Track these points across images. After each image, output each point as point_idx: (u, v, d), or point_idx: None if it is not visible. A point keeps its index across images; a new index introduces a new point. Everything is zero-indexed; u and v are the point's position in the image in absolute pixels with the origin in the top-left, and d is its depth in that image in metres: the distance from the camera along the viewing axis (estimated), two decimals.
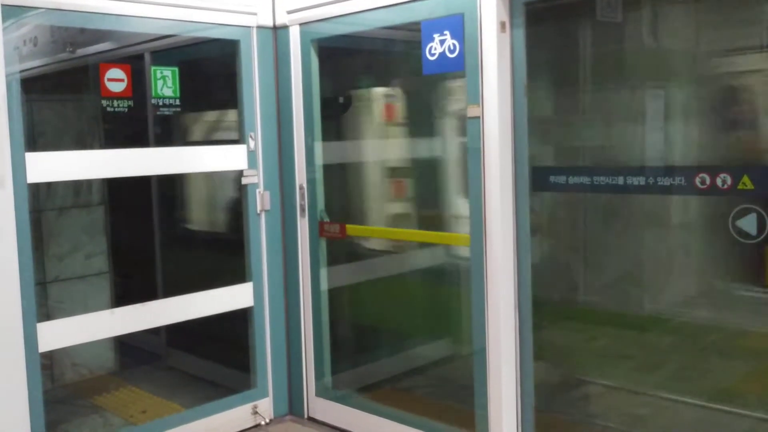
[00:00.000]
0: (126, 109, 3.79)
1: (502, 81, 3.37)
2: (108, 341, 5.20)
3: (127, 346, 5.37)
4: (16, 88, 3.29)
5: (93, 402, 4.76)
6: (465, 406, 3.72)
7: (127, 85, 3.79)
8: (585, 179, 3.25)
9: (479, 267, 3.49)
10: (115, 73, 3.77)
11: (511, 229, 3.45)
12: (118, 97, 3.77)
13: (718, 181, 2.83)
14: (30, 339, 3.37)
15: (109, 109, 3.74)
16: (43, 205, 4.82)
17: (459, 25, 3.45)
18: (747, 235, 2.85)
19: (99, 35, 4.57)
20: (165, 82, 3.94)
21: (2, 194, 3.24)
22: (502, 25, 3.36)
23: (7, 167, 3.24)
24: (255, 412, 4.32)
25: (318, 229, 4.28)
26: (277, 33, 4.32)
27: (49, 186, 4.81)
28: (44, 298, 4.77)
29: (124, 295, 5.10)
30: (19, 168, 3.31)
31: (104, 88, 3.72)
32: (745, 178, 2.76)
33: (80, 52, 4.99)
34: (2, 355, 3.28)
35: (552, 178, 3.37)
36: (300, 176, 4.31)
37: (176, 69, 3.98)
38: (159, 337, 5.46)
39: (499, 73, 3.35)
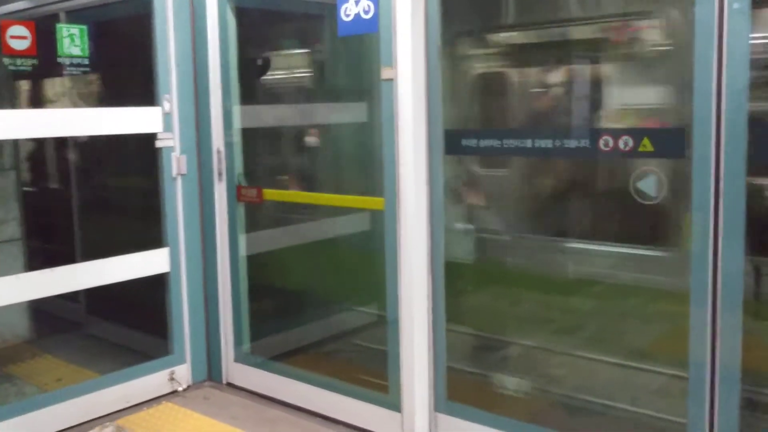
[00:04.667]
0: (30, 68, 3.65)
1: (416, 43, 3.35)
2: (23, 309, 5.07)
3: (44, 314, 5.24)
4: None
5: (5, 371, 4.64)
6: (381, 370, 3.75)
7: (32, 43, 3.64)
8: (495, 142, 3.27)
9: (392, 231, 3.49)
10: (18, 30, 3.62)
11: (425, 193, 3.46)
12: (22, 55, 3.62)
13: (621, 144, 2.88)
14: None
15: (11, 67, 3.59)
16: None
17: None
18: (646, 196, 2.92)
19: None
20: (72, 41, 3.80)
21: None
22: None
23: None
24: (172, 378, 4.27)
25: (236, 194, 4.22)
26: None
27: None
28: None
29: (38, 262, 4.96)
30: None
31: (6, 46, 3.57)
32: (646, 140, 2.82)
33: None
34: None
35: (464, 141, 3.38)
36: (217, 140, 4.23)
37: (85, 27, 3.84)
38: (79, 305, 5.34)
39: (413, 35, 3.33)
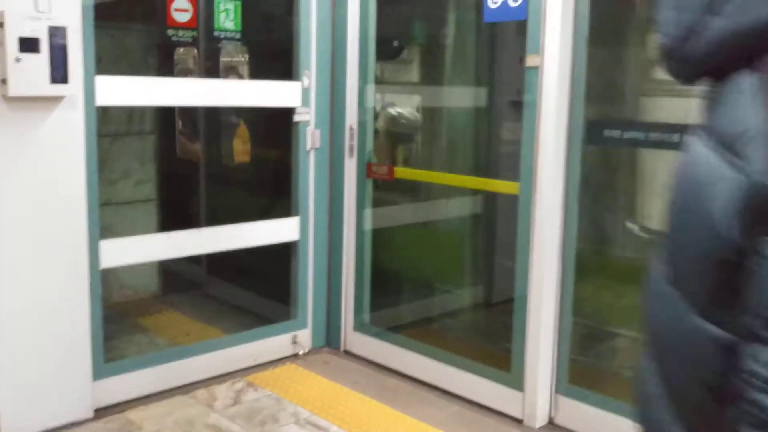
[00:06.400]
0: (191, 40, 3.88)
1: (564, 32, 3.41)
2: (152, 266, 5.38)
3: (167, 272, 5.55)
4: (90, 9, 3.36)
5: (138, 322, 4.96)
6: (501, 349, 3.87)
7: (193, 16, 3.86)
8: (639, 135, 3.31)
9: (526, 215, 3.59)
10: (182, 3, 3.84)
11: (561, 181, 3.53)
12: (184, 27, 3.85)
13: None
14: (93, 256, 3.53)
15: (174, 38, 3.82)
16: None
17: None
18: None
19: None
20: (227, 15, 4.00)
21: (74, 115, 3.36)
22: None
23: (79, 89, 3.34)
24: (295, 342, 4.49)
25: (365, 170, 4.38)
26: None
27: (105, 111, 4.92)
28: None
29: (171, 221, 5.26)
30: (89, 90, 3.42)
31: (170, 18, 3.80)
32: None
33: None
34: (68, 271, 3.44)
35: (606, 132, 3.43)
36: (351, 117, 4.39)
37: (240, 3, 4.04)
38: (200, 267, 5.63)
39: (562, 24, 3.39)
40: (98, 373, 3.63)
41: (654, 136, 3.26)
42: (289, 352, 4.49)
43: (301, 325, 4.55)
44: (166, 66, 5.09)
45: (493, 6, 3.63)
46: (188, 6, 3.86)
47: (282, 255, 4.52)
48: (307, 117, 4.38)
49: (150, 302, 5.36)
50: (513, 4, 3.55)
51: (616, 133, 3.39)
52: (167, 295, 5.50)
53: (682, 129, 3.20)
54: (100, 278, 3.61)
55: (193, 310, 5.24)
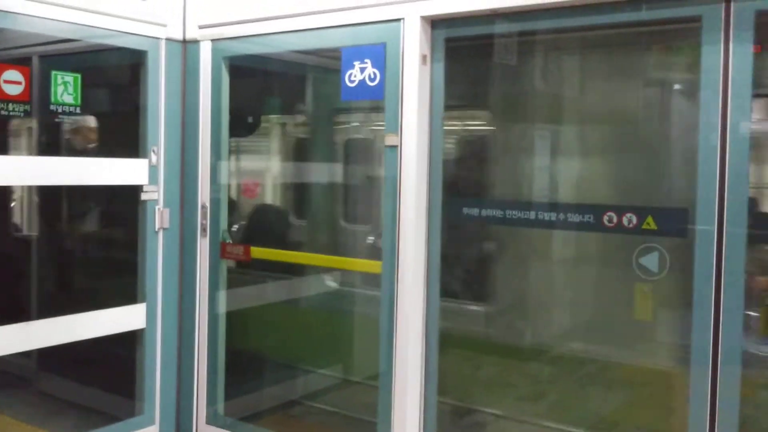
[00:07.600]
0: (22, 114, 3.55)
1: (422, 111, 3.44)
2: None
3: None
4: None
5: None
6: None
7: (26, 89, 3.55)
8: (497, 212, 3.36)
9: (389, 293, 3.51)
10: (13, 75, 3.53)
11: (423, 258, 3.50)
12: (15, 100, 3.52)
13: (624, 221, 3.01)
14: None
15: (3, 112, 3.49)
16: None
17: (381, 54, 3.50)
18: (649, 272, 3.04)
19: None
20: (66, 89, 3.72)
21: None
22: (424, 57, 3.44)
23: None
24: None
25: (220, 250, 4.16)
26: (187, 47, 4.20)
27: None
28: None
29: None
30: None
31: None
32: (650, 219, 2.95)
33: None
34: None
35: (465, 210, 3.45)
36: (203, 195, 4.18)
37: (79, 75, 3.77)
38: (29, 360, 5.07)
39: (419, 104, 3.42)
40: None
41: (512, 213, 3.32)
42: None
43: (147, 421, 4.16)
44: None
45: (350, 84, 3.62)
46: (20, 78, 3.54)
47: (127, 343, 4.15)
48: (155, 195, 4.12)
49: None
50: (370, 84, 3.54)
51: (474, 211, 3.43)
52: None
53: (538, 207, 3.29)
54: None
55: (22, 410, 4.69)
